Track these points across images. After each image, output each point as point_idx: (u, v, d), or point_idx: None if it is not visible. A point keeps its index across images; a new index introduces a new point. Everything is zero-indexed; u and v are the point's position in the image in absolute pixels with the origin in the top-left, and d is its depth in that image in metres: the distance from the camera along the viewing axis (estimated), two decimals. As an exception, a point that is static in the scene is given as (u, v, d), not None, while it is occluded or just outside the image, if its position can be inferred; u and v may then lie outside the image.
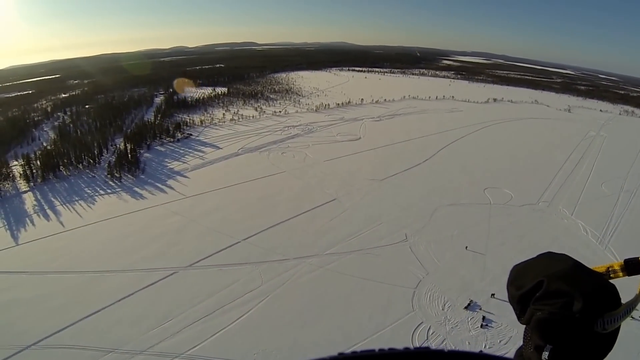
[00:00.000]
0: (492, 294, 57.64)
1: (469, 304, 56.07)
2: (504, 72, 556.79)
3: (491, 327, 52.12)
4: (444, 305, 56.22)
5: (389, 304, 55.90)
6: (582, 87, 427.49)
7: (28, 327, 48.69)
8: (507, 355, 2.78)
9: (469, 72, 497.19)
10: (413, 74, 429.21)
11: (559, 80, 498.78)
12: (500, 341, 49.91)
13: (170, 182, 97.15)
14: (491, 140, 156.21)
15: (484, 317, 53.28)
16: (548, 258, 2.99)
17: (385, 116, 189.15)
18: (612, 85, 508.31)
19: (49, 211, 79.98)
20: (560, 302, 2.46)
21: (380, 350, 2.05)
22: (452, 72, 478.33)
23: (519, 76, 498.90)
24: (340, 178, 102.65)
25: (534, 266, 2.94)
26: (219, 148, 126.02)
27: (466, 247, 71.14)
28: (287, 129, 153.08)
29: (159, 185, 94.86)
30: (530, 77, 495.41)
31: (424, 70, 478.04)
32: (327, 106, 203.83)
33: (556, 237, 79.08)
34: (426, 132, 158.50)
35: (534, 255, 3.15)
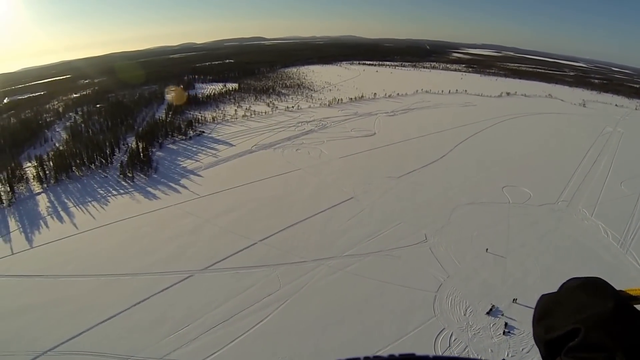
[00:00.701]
0: (514, 299, 55.72)
1: (490, 309, 53.93)
2: (515, 64, 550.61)
3: (513, 334, 49.98)
4: (466, 310, 54.10)
5: (410, 308, 53.87)
6: (596, 81, 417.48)
7: (43, 333, 47.71)
8: None
9: (480, 65, 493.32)
10: (424, 68, 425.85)
11: (571, 74, 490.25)
12: (522, 349, 47.82)
13: (183, 181, 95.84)
14: (507, 136, 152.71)
15: (506, 324, 51.29)
16: (583, 291, 2.49)
17: (399, 111, 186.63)
18: (626, 79, 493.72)
19: (62, 213, 79.16)
20: (599, 357, 2.15)
21: (365, 358, 2.08)
22: (463, 66, 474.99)
23: (530, 69, 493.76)
24: (357, 175, 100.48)
25: (566, 303, 2.47)
26: (232, 145, 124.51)
27: (487, 250, 68.84)
28: (300, 124, 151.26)
29: (172, 184, 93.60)
30: (542, 70, 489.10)
31: (434, 63, 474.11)
32: (340, 101, 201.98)
33: (576, 239, 75.75)
34: (441, 127, 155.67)
35: (564, 280, 2.64)
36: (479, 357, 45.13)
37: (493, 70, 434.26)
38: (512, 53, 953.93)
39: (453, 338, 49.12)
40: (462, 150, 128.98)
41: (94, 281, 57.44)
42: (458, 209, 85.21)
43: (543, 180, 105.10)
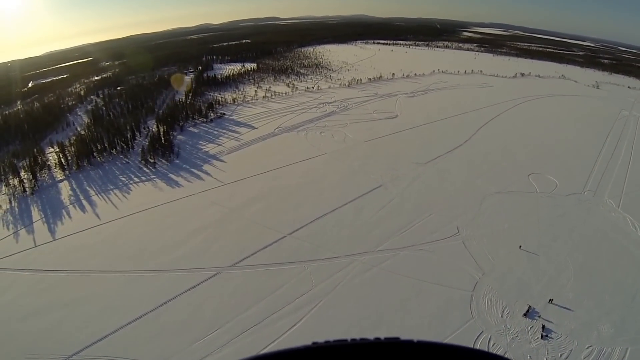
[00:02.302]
0: (550, 300, 53.41)
1: (527, 311, 51.40)
2: (525, 44, 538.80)
3: (551, 337, 47.30)
4: (503, 311, 51.31)
5: (447, 309, 50.92)
6: (606, 61, 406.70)
7: (68, 335, 45.76)
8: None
9: (491, 44, 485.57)
10: (437, 47, 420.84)
11: (581, 53, 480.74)
12: (561, 355, 45.03)
13: (206, 167, 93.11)
14: (527, 119, 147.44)
15: (543, 327, 48.83)
16: None
17: (418, 92, 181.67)
18: (635, 59, 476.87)
19: (84, 202, 77.29)
20: None
21: (352, 340, 2.23)
22: (475, 45, 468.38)
23: (540, 49, 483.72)
24: (384, 161, 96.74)
25: None
26: (254, 128, 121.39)
27: (520, 247, 65.65)
28: (322, 105, 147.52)
29: (195, 171, 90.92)
30: (552, 50, 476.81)
31: (447, 42, 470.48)
32: (359, 81, 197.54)
33: (606, 233, 72.11)
34: (461, 110, 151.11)
35: None
36: (468, 346, 41.59)
37: (504, 50, 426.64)
38: (520, 32, 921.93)
39: (492, 342, 46.40)
40: (484, 134, 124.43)
41: (118, 277, 55.33)
42: (487, 198, 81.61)
43: (567, 167, 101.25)
